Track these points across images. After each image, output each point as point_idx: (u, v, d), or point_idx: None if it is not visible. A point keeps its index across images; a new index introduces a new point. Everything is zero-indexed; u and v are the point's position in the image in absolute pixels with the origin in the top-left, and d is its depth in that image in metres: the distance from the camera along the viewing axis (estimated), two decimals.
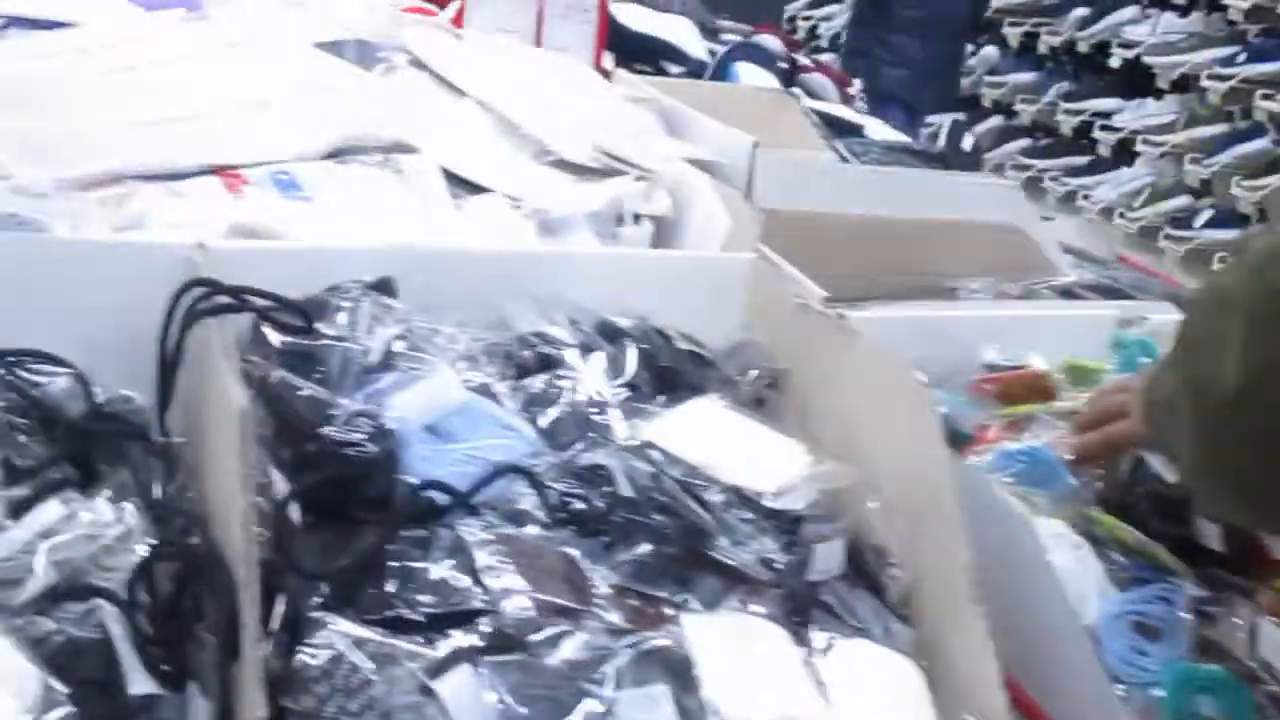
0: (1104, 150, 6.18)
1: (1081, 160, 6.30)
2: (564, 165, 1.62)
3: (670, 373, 1.27)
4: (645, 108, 1.97)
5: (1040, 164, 6.43)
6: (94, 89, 1.45)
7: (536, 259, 1.36)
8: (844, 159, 2.41)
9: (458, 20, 2.14)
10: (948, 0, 5.50)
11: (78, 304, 1.18)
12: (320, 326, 1.16)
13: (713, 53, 2.78)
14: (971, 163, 2.75)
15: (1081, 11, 6.27)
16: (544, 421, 1.18)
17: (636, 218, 1.57)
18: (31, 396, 1.10)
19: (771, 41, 2.93)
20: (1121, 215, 5.92)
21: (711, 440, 1.18)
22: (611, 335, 1.28)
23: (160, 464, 1.11)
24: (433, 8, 2.55)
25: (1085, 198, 6.18)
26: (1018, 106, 6.54)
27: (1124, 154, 6.09)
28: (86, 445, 1.09)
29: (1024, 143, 6.55)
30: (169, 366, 1.12)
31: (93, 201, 1.29)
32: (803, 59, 2.99)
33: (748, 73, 2.53)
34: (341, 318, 1.17)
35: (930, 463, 1.14)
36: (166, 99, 1.47)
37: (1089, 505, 1.30)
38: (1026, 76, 6.50)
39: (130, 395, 1.12)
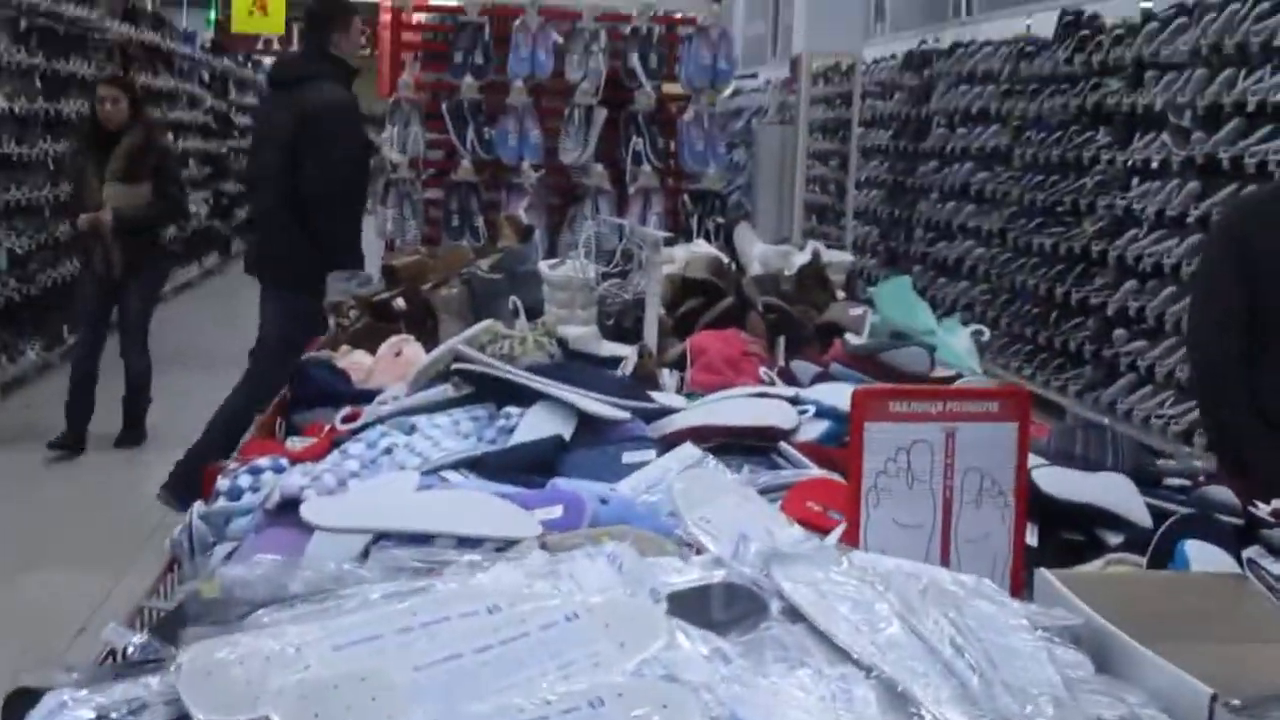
0: None
1: None
2: None
3: None
4: (1072, 631, 1.64)
5: None
6: (404, 691, 1.25)
7: None
8: None
9: (850, 534, 1.87)
10: None
11: None
12: None
13: (1157, 513, 2.41)
14: None
15: None
16: None
17: None
18: None
19: (1222, 493, 2.54)
20: None
21: None
22: None
23: None
24: (835, 477, 2.34)
25: None
26: None
27: None
28: None
29: None
30: None
31: None
32: (1263, 510, 2.57)
33: (1199, 553, 2.15)
34: None
35: None
36: (484, 700, 1.25)
37: None
38: None
39: None
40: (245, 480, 2.53)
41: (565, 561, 1.57)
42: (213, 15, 27.48)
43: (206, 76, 17.47)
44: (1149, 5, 9.81)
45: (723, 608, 1.51)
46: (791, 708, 1.32)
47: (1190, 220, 8.00)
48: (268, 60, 26.03)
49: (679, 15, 8.02)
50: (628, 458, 2.42)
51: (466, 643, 1.35)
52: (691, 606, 1.50)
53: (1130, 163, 8.78)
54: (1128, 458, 2.66)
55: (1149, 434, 8.18)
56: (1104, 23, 9.56)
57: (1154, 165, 8.49)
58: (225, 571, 1.78)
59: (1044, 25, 10.83)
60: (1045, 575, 1.88)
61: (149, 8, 15.82)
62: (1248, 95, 7.51)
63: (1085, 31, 9.51)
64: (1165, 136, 8.32)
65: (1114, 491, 2.43)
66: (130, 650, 1.60)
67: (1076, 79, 9.55)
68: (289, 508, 2.14)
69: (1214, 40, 7.80)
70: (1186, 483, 2.68)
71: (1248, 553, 2.34)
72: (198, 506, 2.51)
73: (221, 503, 2.50)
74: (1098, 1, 9.92)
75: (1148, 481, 2.61)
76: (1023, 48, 10.51)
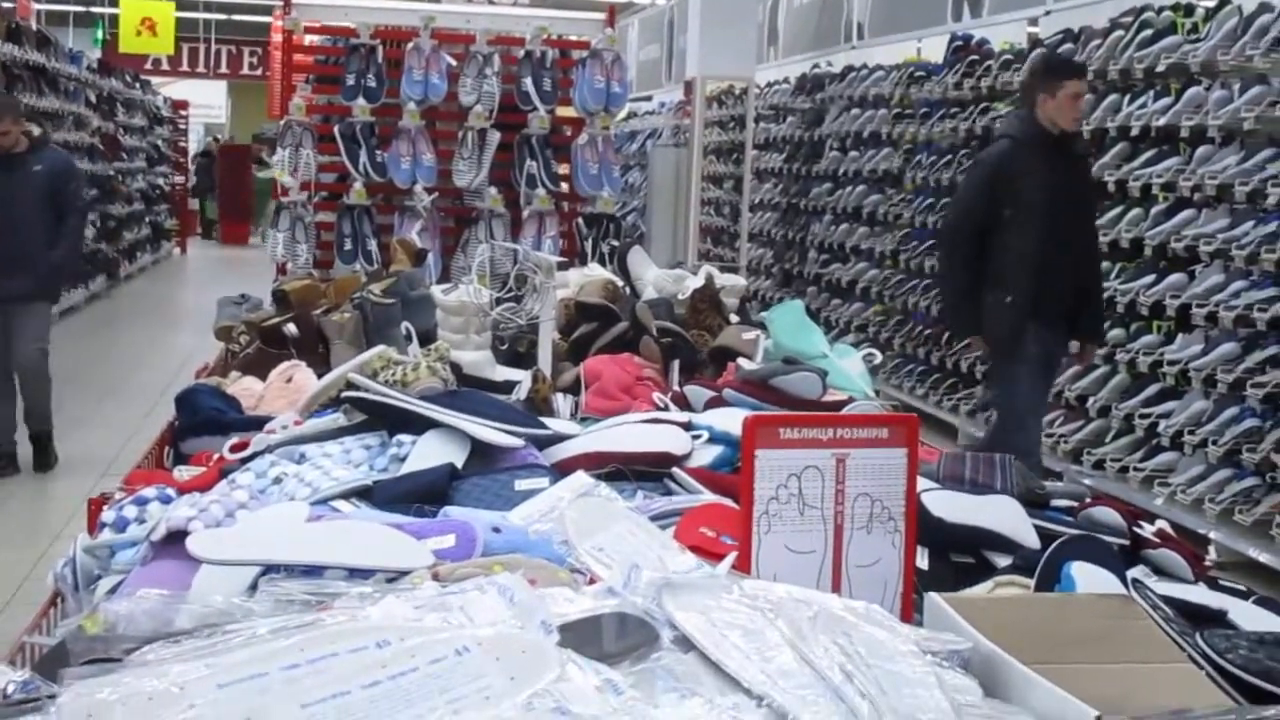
0: None
1: None
2: None
3: None
4: (961, 655, 1.66)
5: None
6: None
7: None
8: (1201, 662, 2.03)
9: (742, 561, 1.88)
10: None
11: None
12: None
13: (1044, 535, 2.45)
14: None
15: None
16: None
17: None
18: None
19: (1107, 515, 2.59)
20: None
21: None
22: None
23: None
24: (728, 502, 2.36)
25: None
26: None
27: None
28: None
29: None
30: None
31: None
32: (1147, 530, 2.63)
33: (1084, 575, 2.18)
34: None
35: None
36: None
37: None
38: None
39: None
40: (131, 511, 2.49)
41: (456, 594, 1.56)
42: (100, 35, 27.09)
43: (93, 97, 17.18)
44: (1036, 31, 10.01)
45: (614, 638, 1.51)
46: None
47: None
48: (155, 80, 25.75)
49: (573, 39, 8.05)
50: (521, 485, 2.42)
51: (354, 679, 1.33)
52: (583, 637, 1.50)
53: None
54: (1016, 481, 2.71)
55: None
56: (992, 48, 9.74)
57: None
58: (109, 606, 1.75)
59: (934, 50, 11.00)
60: (935, 599, 1.91)
61: (34, 26, 15.55)
62: (1132, 120, 7.68)
63: (974, 57, 9.68)
64: None
65: (1002, 514, 2.47)
66: (9, 689, 1.57)
67: (966, 103, 9.70)
68: (176, 539, 2.11)
69: (1099, 66, 7.97)
70: (1074, 504, 2.74)
71: (1132, 573, 2.39)
72: (81, 538, 2.46)
73: (106, 534, 2.46)
74: (986, 27, 10.10)
75: (1036, 504, 2.66)
76: (913, 72, 10.66)
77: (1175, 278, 7.30)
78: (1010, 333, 6.17)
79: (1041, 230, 6.06)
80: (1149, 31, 7.62)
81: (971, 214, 6.29)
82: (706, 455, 2.69)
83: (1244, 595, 2.50)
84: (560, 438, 2.75)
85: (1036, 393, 6.42)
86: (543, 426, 2.76)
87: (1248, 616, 2.30)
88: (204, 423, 3.17)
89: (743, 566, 1.91)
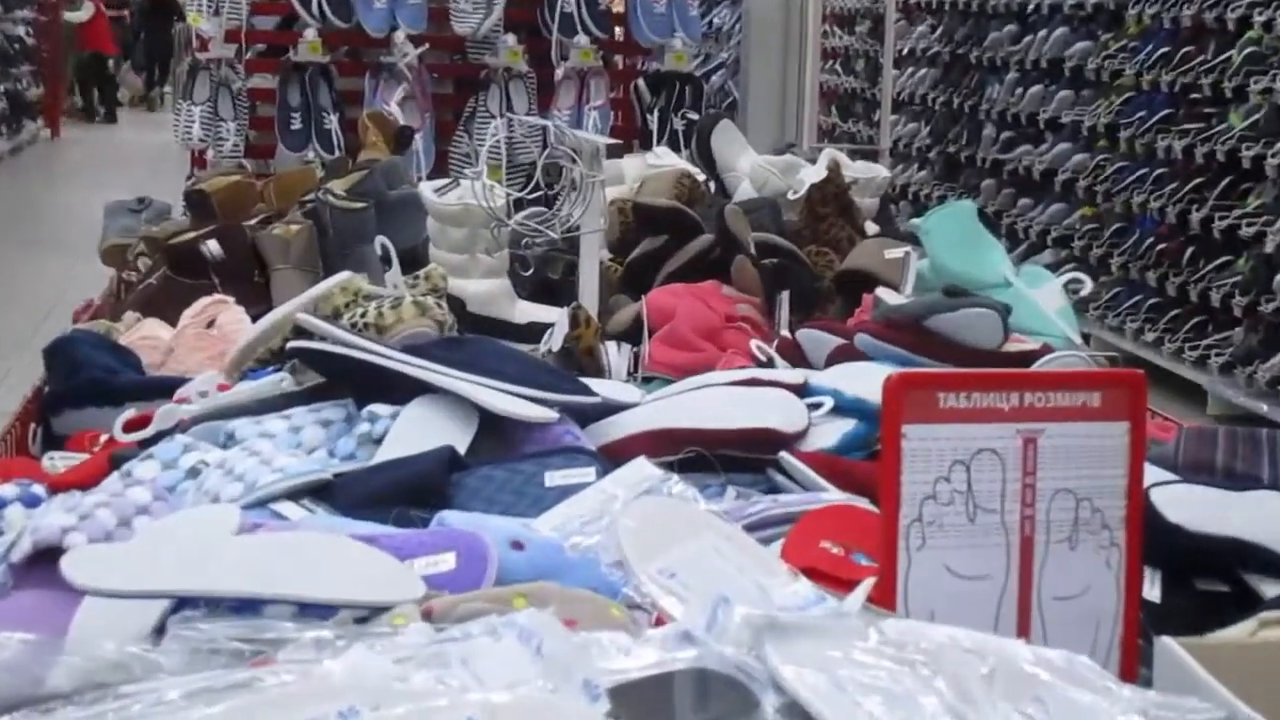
0: None
1: None
2: None
3: None
4: None
5: None
6: None
7: None
8: None
9: (884, 591, 1.90)
10: None
11: None
12: None
13: None
14: None
15: None
16: None
17: None
18: None
19: None
20: None
21: None
22: None
23: None
24: (863, 503, 2.37)
25: None
26: None
27: None
28: None
29: None
30: None
31: None
32: None
33: None
34: None
35: None
36: None
37: None
38: None
39: None
40: None
41: (458, 640, 1.58)
42: None
43: None
44: None
45: (692, 706, 1.53)
46: None
47: None
48: None
49: None
50: (553, 479, 2.44)
51: None
52: (646, 706, 1.52)
53: None
54: None
55: None
56: None
57: None
58: None
59: None
60: (1171, 648, 1.91)
61: None
62: None
63: None
64: None
65: (1272, 519, 2.46)
66: None
67: None
68: (46, 560, 2.14)
69: None
70: None
71: None
72: None
73: None
74: None
75: None
76: None
77: None
78: None
79: None
80: None
81: None
82: (830, 434, 2.71)
83: None
84: (612, 408, 2.77)
85: None
86: (587, 391, 2.78)
87: None
88: (86, 387, 3.21)
89: (884, 599, 1.92)
